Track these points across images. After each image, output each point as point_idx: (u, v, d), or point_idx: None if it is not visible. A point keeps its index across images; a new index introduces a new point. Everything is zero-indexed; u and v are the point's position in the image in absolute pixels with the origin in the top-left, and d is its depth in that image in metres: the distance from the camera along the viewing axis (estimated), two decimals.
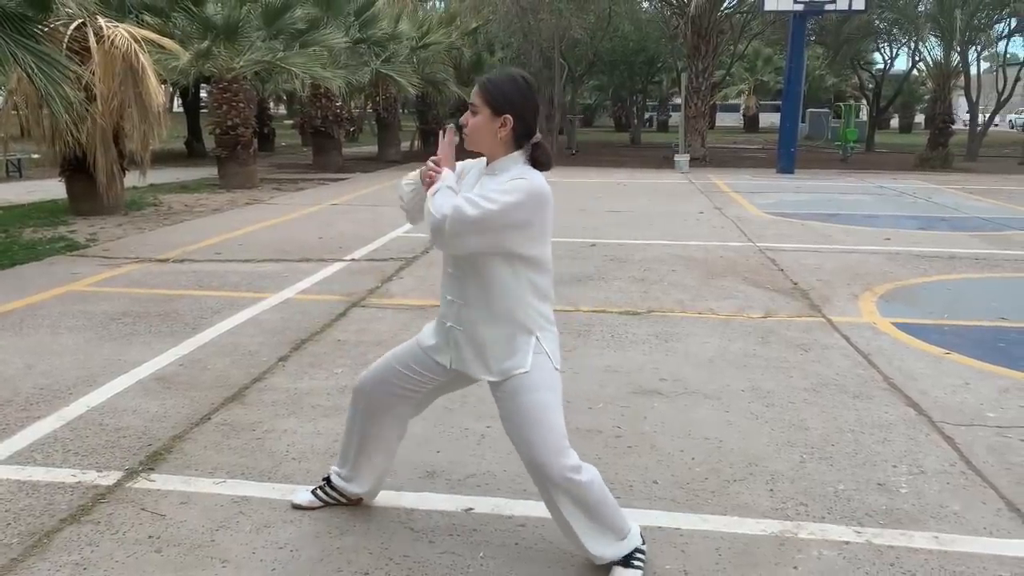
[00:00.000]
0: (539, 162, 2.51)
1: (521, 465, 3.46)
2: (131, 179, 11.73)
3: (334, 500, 3.10)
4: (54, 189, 12.22)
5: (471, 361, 2.64)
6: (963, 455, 3.67)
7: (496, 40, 26.77)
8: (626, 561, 2.67)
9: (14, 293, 6.42)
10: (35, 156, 11.57)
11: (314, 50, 15.53)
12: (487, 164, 2.59)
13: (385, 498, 3.18)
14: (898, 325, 5.82)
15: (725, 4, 24.35)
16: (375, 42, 19.12)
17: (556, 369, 2.60)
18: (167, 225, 10.43)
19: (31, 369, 4.63)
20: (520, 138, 2.51)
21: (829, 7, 18.48)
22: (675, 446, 3.73)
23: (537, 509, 3.11)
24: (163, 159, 20.27)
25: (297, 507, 3.10)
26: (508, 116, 2.47)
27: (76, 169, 11.10)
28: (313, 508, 3.09)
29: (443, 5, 32.08)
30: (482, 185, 2.51)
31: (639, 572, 2.67)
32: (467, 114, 2.53)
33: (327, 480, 3.11)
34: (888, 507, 3.18)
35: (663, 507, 3.16)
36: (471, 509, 3.12)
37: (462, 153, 2.56)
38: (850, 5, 18.23)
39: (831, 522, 3.06)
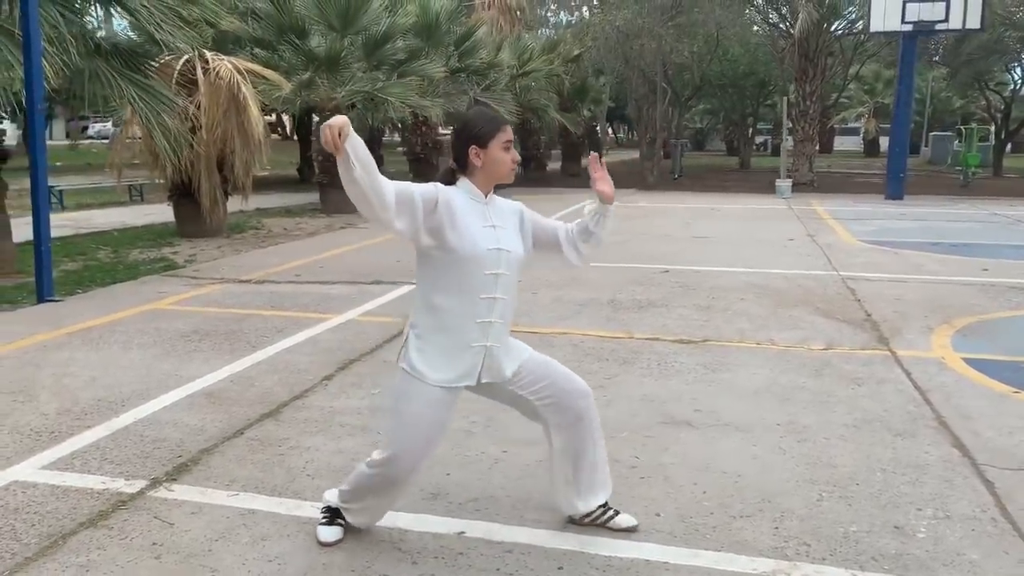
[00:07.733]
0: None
1: (523, 491, 3.50)
2: (237, 203, 12.36)
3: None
4: (167, 213, 13.00)
5: (500, 369, 2.91)
6: (999, 501, 3.44)
7: (599, 66, 26.81)
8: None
9: (102, 310, 6.87)
10: (160, 181, 12.41)
11: (411, 79, 15.98)
12: (485, 194, 2.87)
13: (388, 518, 3.23)
14: (969, 361, 5.50)
15: (834, 26, 23.67)
16: (474, 71, 19.50)
17: None
18: (262, 248, 10.93)
19: (94, 382, 4.95)
20: None
21: (941, 26, 17.61)
22: (689, 479, 3.65)
23: (526, 536, 3.13)
24: (274, 185, 21.23)
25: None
26: None
27: (183, 193, 11.82)
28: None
29: (550, 32, 32.43)
30: (518, 214, 3.00)
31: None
32: (514, 151, 2.87)
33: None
34: (898, 552, 3.02)
35: (657, 540, 3.10)
36: (463, 533, 3.15)
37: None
38: (964, 23, 17.28)
39: (831, 564, 2.94)
